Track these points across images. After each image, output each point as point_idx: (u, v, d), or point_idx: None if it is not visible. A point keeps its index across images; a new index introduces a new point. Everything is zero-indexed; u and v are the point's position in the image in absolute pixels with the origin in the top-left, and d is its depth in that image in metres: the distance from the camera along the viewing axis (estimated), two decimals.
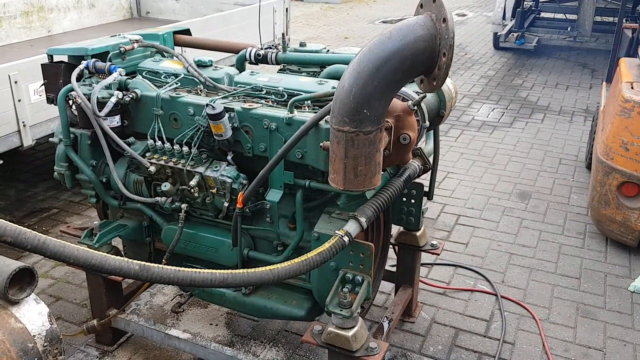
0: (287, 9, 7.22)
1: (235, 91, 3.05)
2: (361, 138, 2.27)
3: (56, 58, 3.37)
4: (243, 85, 3.10)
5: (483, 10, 15.57)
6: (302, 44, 3.36)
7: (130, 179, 3.29)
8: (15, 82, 4.02)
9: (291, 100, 2.80)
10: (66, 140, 3.26)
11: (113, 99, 3.06)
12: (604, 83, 6.24)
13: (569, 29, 10.85)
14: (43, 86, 3.39)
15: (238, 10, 6.62)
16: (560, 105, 8.09)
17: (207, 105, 2.80)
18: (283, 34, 3.50)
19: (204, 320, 3.73)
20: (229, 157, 3.00)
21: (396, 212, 3.48)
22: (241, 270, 2.39)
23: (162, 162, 3.08)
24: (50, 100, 3.36)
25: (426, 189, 3.43)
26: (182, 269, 2.21)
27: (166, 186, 3.11)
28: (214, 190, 3.03)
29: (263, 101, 2.99)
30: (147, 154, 3.14)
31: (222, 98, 2.99)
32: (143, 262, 2.10)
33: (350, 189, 2.37)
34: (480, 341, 3.59)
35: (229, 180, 2.94)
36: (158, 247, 3.48)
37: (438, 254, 3.62)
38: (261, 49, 3.40)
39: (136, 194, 3.27)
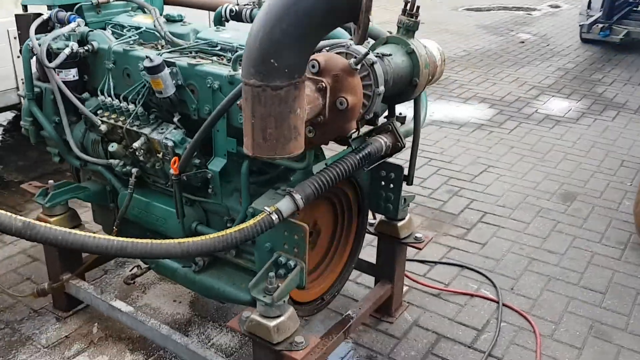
0: None
1: (188, 46, 2.78)
2: (269, 94, 1.92)
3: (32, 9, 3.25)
4: (202, 41, 2.82)
5: (578, 3, 14.38)
6: None
7: (89, 139, 3.11)
8: (15, 38, 3.97)
9: (234, 55, 2.49)
10: (29, 94, 3.12)
11: (67, 50, 2.88)
12: None
13: None
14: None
15: None
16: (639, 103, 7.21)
17: (146, 57, 2.55)
18: None
19: (169, 296, 3.52)
20: (175, 119, 2.75)
21: (374, 196, 3.08)
22: (145, 241, 2.13)
23: (112, 122, 2.88)
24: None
25: (406, 172, 3.00)
26: (77, 232, 1.97)
27: (113, 147, 2.91)
28: (160, 155, 2.79)
29: (215, 58, 2.70)
30: (99, 112, 2.95)
31: (169, 52, 2.73)
32: (29, 220, 1.88)
33: (259, 154, 2.02)
34: (462, 352, 3.12)
35: (171, 144, 2.68)
36: None
37: (420, 249, 3.18)
38: (236, 4, 3.11)
39: (95, 155, 3.10)
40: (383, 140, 2.64)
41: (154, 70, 2.54)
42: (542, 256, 4.02)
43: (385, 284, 3.28)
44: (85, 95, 3.01)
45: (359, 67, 2.18)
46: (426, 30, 11.11)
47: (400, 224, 3.15)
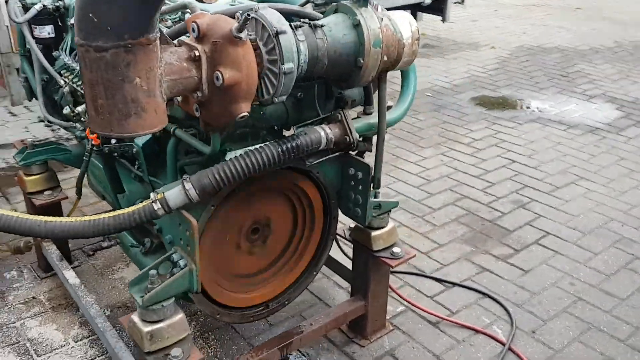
0: None
1: None
2: (92, 56, 1.58)
3: None
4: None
5: None
6: None
7: (67, 99, 2.99)
8: None
9: None
10: (20, 50, 3.08)
11: (37, 6, 2.77)
12: None
13: None
14: None
15: None
16: None
17: None
18: None
19: None
20: None
21: (343, 198, 2.60)
22: (12, 213, 1.94)
23: (72, 83, 2.72)
24: None
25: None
26: None
27: (66, 109, 2.75)
28: None
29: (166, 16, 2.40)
30: (62, 72, 2.81)
31: None
32: None
33: (94, 130, 1.70)
34: None
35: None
36: None
37: (391, 266, 2.63)
38: None
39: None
40: (323, 132, 2.16)
41: None
42: (594, 297, 3.22)
43: (357, 300, 2.79)
44: (56, 53, 2.88)
45: (243, 35, 1.74)
46: (580, 16, 9.80)
47: (374, 233, 2.63)
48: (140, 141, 2.37)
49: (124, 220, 1.98)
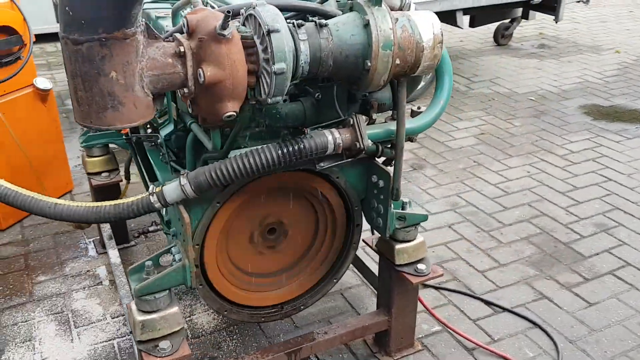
0: None
1: None
2: (70, 48, 1.61)
3: None
4: None
5: None
6: None
7: None
8: None
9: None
10: None
11: None
12: None
13: None
14: None
15: None
16: None
17: None
18: None
19: None
20: None
21: (366, 206, 2.47)
22: (29, 193, 2.08)
23: None
24: None
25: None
26: None
27: None
28: None
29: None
30: None
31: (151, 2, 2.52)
32: None
33: (77, 121, 1.73)
34: None
35: None
36: None
37: (411, 283, 2.45)
38: None
39: None
40: (331, 137, 2.05)
41: None
42: None
43: (381, 313, 2.66)
44: None
45: (226, 32, 1.68)
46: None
47: (398, 246, 2.48)
48: (164, 132, 2.41)
49: (123, 210, 2.02)
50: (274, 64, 1.76)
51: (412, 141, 2.40)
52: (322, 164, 2.17)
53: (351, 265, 2.88)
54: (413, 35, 1.94)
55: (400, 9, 2.17)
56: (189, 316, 2.99)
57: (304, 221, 2.48)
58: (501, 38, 7.62)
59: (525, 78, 6.48)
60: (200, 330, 2.91)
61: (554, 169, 4.51)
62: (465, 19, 6.46)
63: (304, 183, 2.33)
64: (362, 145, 2.07)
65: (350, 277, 3.25)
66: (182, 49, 1.72)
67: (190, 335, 2.86)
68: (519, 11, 6.62)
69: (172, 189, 2.00)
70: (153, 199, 2.00)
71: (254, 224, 2.37)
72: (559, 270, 3.37)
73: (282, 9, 2.06)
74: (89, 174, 3.27)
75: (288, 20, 1.89)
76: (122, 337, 2.88)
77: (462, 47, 7.65)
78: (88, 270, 3.35)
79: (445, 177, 4.42)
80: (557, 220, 3.84)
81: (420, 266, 2.48)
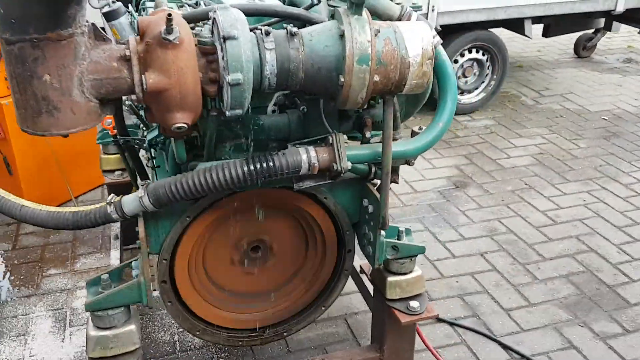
0: None
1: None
2: (4, 49, 1.52)
3: None
4: None
5: None
6: None
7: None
8: None
9: None
10: None
11: None
12: None
13: None
14: None
15: None
16: None
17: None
18: None
19: None
20: None
21: (358, 232, 2.24)
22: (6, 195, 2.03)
23: None
24: None
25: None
26: None
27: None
28: None
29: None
30: None
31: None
32: None
33: (19, 125, 1.63)
34: None
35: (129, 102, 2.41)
36: None
37: (399, 322, 2.20)
38: None
39: None
40: (306, 156, 1.85)
41: (110, 16, 2.29)
42: None
43: (372, 349, 2.42)
44: None
45: (172, 37, 1.52)
46: None
47: (391, 279, 2.24)
48: (149, 136, 2.29)
49: (81, 219, 1.92)
50: (228, 74, 1.58)
51: (409, 164, 2.15)
52: (300, 184, 1.98)
53: (358, 289, 2.69)
54: (397, 49, 1.70)
55: (399, 19, 1.94)
56: (178, 328, 2.88)
57: (290, 242, 2.30)
58: (582, 50, 7.06)
59: (601, 95, 5.94)
60: (190, 344, 2.79)
61: (614, 199, 4.06)
62: (538, 28, 6.02)
63: (289, 202, 2.15)
64: (339, 167, 1.86)
65: (357, 301, 3.02)
66: (127, 53, 1.58)
67: (178, 349, 2.74)
68: (601, 22, 6.08)
69: (130, 201, 1.88)
70: (110, 209, 1.88)
71: (233, 241, 2.21)
72: (597, 317, 2.99)
73: (263, 14, 1.91)
74: (103, 171, 3.24)
75: (262, 26, 1.72)
76: None
77: (539, 57, 7.15)
78: (97, 267, 3.32)
79: (490, 199, 4.08)
80: (605, 259, 3.43)
81: (413, 303, 2.22)
